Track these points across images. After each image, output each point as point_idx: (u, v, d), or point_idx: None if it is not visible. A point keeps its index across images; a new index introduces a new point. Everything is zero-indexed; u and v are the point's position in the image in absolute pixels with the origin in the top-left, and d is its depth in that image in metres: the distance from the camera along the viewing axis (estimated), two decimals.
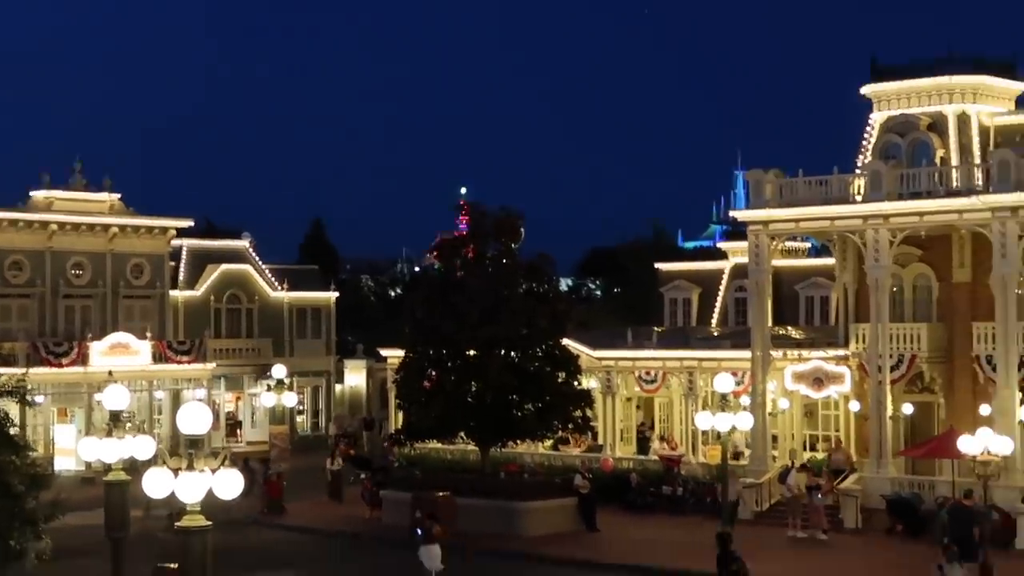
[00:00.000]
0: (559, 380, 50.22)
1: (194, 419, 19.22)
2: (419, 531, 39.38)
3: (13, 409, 22.02)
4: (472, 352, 49.65)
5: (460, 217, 52.26)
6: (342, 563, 44.26)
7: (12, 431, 20.38)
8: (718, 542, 32.38)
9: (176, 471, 18.82)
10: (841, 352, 52.36)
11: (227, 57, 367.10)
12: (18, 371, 25.02)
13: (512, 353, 49.75)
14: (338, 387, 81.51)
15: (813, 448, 53.80)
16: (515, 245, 51.76)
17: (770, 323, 53.20)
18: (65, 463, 60.57)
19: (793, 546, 44.48)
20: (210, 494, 18.58)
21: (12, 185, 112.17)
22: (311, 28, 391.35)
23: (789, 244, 60.85)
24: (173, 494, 18.69)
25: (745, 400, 49.90)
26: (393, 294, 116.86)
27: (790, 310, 59.20)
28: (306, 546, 46.91)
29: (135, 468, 27.36)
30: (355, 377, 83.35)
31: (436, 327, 50.26)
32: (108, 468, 25.95)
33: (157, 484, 18.96)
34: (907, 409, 51.12)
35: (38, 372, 59.34)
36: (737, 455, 52.16)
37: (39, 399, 59.10)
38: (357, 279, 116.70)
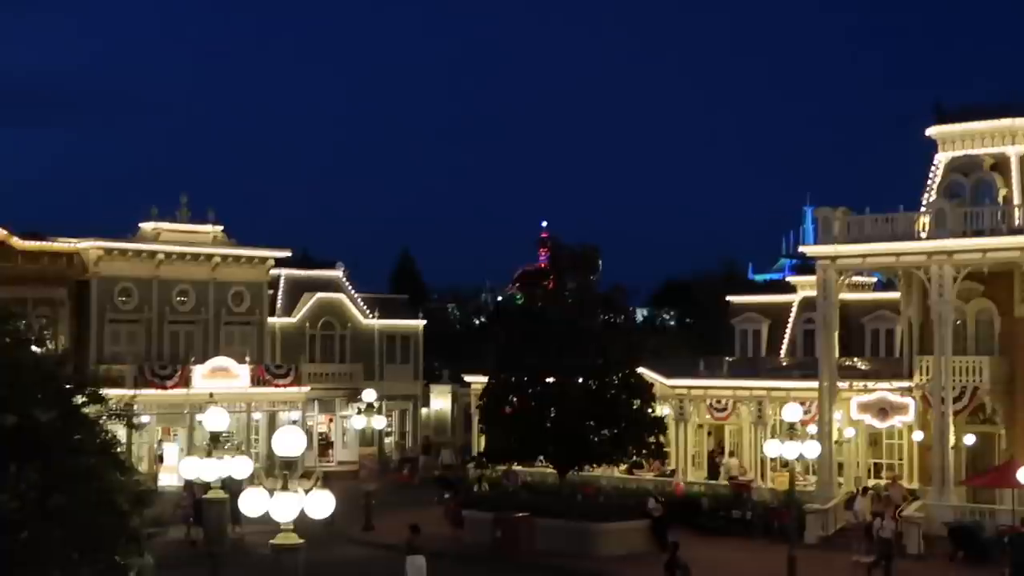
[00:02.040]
0: (634, 407, 50.15)
1: (289, 442, 19.40)
2: (405, 544, 38.76)
3: (121, 430, 22.30)
4: (552, 379, 49.69)
5: (541, 250, 52.43)
6: None
7: (119, 450, 20.64)
8: (669, 548, 36.44)
9: (272, 491, 19.01)
10: (905, 384, 51.84)
11: (319, 93, 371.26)
12: (127, 392, 25.41)
13: (590, 381, 49.76)
14: (424, 411, 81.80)
15: (878, 475, 53.34)
16: (593, 277, 51.85)
17: (837, 354, 52.79)
18: (168, 479, 61.14)
19: (857, 571, 43.96)
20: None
21: (123, 217, 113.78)
22: (386, 62, 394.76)
23: (856, 279, 60.31)
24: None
25: (812, 429, 49.54)
26: (477, 322, 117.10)
27: (856, 342, 58.66)
28: (389, 564, 46.90)
29: (233, 486, 27.73)
30: (440, 401, 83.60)
31: (518, 355, 50.37)
32: (207, 486, 26.31)
33: (253, 503, 19.15)
34: (969, 440, 50.43)
35: (144, 394, 60.34)
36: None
37: (145, 419, 59.92)
38: (443, 308, 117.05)
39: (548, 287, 52.26)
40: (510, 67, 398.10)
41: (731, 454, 57.05)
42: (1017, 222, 48.56)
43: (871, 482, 51.81)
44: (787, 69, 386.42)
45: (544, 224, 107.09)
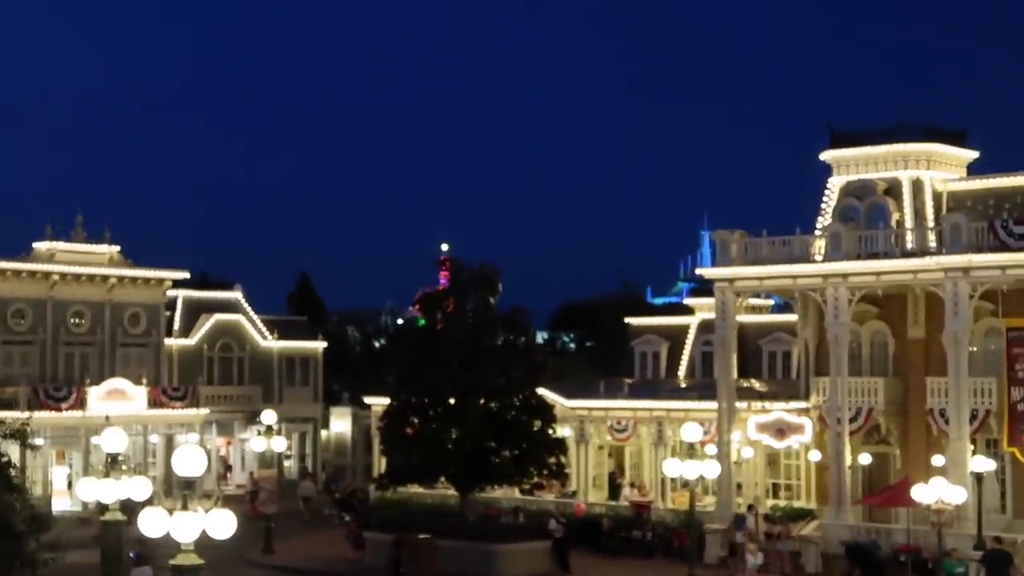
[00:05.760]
0: (535, 428, 50.14)
1: (190, 461, 19.08)
2: (132, 555, 37.09)
3: (14, 452, 21.78)
4: (452, 401, 49.54)
5: (441, 272, 52.26)
6: None
7: (12, 474, 20.16)
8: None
9: (171, 511, 18.64)
10: (802, 404, 52.35)
11: (220, 115, 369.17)
12: (20, 415, 24.84)
13: (491, 402, 49.68)
14: (324, 433, 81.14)
15: (776, 496, 53.73)
16: (493, 299, 51.76)
17: (735, 376, 53.19)
18: (61, 503, 59.99)
19: None
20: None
21: (16, 237, 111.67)
22: (299, 75, 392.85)
23: (753, 301, 60.83)
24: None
25: (711, 449, 49.88)
26: (377, 344, 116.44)
27: (754, 364, 59.16)
28: None
29: (130, 509, 27.18)
30: (341, 423, 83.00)
31: (419, 376, 50.15)
32: (105, 508, 25.73)
33: (153, 523, 18.77)
34: (864, 459, 51.04)
35: (38, 416, 58.83)
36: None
37: (39, 442, 58.65)
38: (343, 329, 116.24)
39: (448, 308, 52.04)
40: (408, 87, 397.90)
41: (631, 484, 57.04)
42: (909, 246, 49.33)
43: (769, 503, 52.24)
44: (687, 95, 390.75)
45: (444, 247, 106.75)
